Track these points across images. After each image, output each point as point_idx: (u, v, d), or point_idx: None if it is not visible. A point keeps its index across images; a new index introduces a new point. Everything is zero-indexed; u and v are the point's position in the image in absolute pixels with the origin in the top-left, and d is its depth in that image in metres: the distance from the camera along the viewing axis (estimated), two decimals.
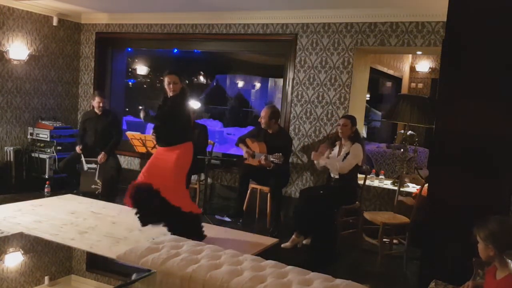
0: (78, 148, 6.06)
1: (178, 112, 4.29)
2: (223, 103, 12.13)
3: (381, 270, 4.15)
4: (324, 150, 4.75)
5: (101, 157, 5.93)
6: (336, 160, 4.58)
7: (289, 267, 3.03)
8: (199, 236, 4.23)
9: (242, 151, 5.40)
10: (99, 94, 6.14)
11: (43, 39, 6.66)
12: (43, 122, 6.56)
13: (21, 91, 6.46)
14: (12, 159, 6.31)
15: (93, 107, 6.21)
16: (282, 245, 4.60)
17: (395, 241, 4.61)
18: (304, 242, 4.62)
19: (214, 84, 12.25)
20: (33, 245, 3.32)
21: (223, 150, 8.11)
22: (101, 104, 6.06)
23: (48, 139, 6.39)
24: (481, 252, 2.39)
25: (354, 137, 4.63)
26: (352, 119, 4.68)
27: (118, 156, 6.37)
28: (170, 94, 4.24)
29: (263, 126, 5.23)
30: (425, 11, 4.92)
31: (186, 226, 4.20)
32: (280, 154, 4.84)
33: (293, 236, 4.63)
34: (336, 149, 4.74)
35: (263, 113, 5.22)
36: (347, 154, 4.56)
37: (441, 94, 3.30)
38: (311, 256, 4.49)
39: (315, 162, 4.79)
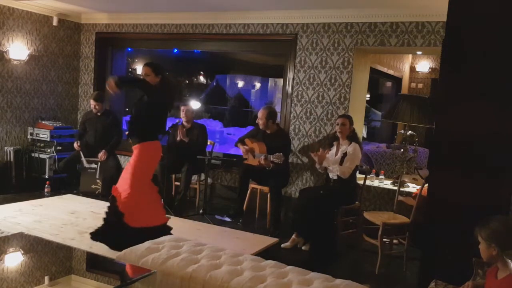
0: (76, 145, 6.06)
1: (143, 107, 4.06)
2: (223, 103, 12.14)
3: (381, 270, 4.15)
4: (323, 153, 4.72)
5: (101, 154, 5.93)
6: (335, 164, 4.57)
7: (289, 267, 3.03)
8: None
9: (241, 151, 5.41)
10: (94, 98, 6.11)
11: (43, 39, 6.66)
12: (43, 122, 6.57)
13: (21, 91, 6.46)
14: (12, 159, 6.31)
15: None
16: (282, 245, 4.60)
17: (395, 241, 4.61)
18: (303, 247, 4.62)
19: (214, 84, 12.26)
20: (33, 245, 3.32)
21: (223, 150, 8.12)
22: (96, 107, 6.06)
23: (48, 139, 6.39)
24: (483, 252, 2.39)
25: (352, 137, 4.63)
26: (350, 119, 4.68)
27: (118, 156, 6.37)
28: None
29: (261, 127, 5.24)
30: (425, 11, 4.92)
31: (126, 240, 3.64)
32: (281, 154, 4.84)
33: (293, 236, 4.63)
34: (334, 149, 4.74)
35: (260, 114, 5.23)
36: (345, 154, 4.56)
37: (441, 94, 3.30)
38: (311, 256, 4.49)
39: (316, 165, 4.78)
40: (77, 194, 6.05)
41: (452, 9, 3.15)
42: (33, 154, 6.44)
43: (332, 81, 5.50)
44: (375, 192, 5.30)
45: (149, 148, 4.06)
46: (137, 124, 4.11)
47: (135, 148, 4.05)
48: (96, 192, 6.00)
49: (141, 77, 4.15)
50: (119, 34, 6.95)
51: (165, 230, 4.14)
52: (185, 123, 5.80)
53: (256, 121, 5.30)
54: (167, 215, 4.32)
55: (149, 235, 3.75)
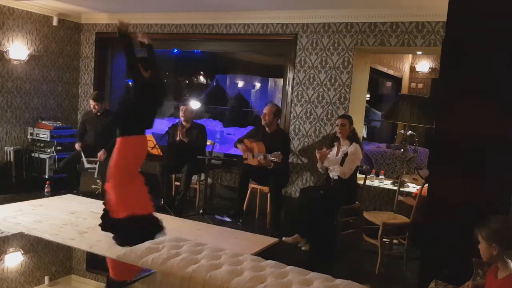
0: (77, 145, 6.07)
1: (127, 100, 4.18)
2: (223, 103, 12.13)
3: (381, 270, 4.15)
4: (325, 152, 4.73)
5: (101, 153, 5.91)
6: (336, 164, 4.57)
7: (289, 267, 3.03)
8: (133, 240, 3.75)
9: (240, 150, 5.41)
10: (93, 98, 6.11)
11: (43, 39, 6.66)
12: (43, 122, 6.57)
13: (21, 91, 6.46)
14: (12, 159, 6.31)
15: None
16: (284, 239, 4.62)
17: (395, 241, 4.61)
18: (303, 247, 4.62)
19: (214, 84, 12.25)
20: (33, 245, 3.32)
21: (223, 150, 8.12)
22: (96, 107, 6.06)
23: (48, 139, 6.39)
24: (484, 252, 2.38)
25: (352, 137, 4.62)
26: (350, 119, 4.68)
27: None
28: None
29: (265, 122, 5.24)
30: (425, 11, 4.92)
31: (120, 230, 4.06)
32: (279, 152, 4.85)
33: (296, 235, 4.64)
34: (334, 149, 4.73)
35: (267, 110, 5.23)
36: (345, 154, 4.56)
37: (441, 94, 3.30)
38: (311, 256, 4.49)
39: (318, 165, 4.78)
40: (77, 194, 6.04)
41: (452, 9, 3.15)
42: (33, 154, 6.44)
43: (332, 81, 5.50)
44: (375, 192, 5.30)
45: (130, 142, 4.11)
46: (120, 117, 4.20)
47: (117, 142, 4.13)
48: (96, 192, 6.00)
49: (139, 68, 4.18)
50: None
51: (153, 221, 4.19)
52: (184, 123, 5.80)
53: (262, 116, 5.29)
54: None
55: (137, 223, 3.91)
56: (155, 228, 4.17)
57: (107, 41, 7.12)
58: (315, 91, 5.61)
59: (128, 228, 3.99)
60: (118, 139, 4.12)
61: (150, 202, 4.26)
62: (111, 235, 4.29)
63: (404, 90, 8.73)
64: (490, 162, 3.08)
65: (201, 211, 5.51)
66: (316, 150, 4.72)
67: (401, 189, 4.74)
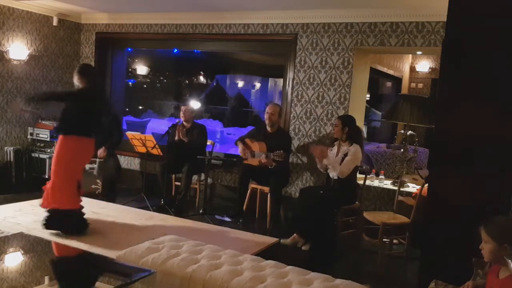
0: None
1: (69, 103, 4.31)
2: (223, 103, 12.13)
3: (381, 270, 4.15)
4: (325, 151, 4.72)
5: (101, 151, 5.89)
6: (336, 163, 4.56)
7: (289, 267, 3.03)
8: (76, 231, 4.20)
9: (239, 149, 5.39)
10: None
11: (43, 39, 6.66)
12: (43, 122, 6.57)
13: (21, 91, 6.46)
14: (12, 159, 6.31)
15: None
16: (282, 241, 4.60)
17: (395, 241, 4.61)
18: (303, 247, 4.61)
19: (214, 84, 12.25)
20: (33, 245, 3.32)
21: (223, 150, 8.12)
22: None
23: (48, 139, 6.40)
24: (490, 252, 2.34)
25: (353, 138, 4.60)
26: (344, 120, 4.63)
27: (118, 156, 6.37)
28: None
29: (270, 121, 5.24)
30: (425, 11, 4.92)
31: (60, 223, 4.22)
32: (282, 151, 4.85)
33: (294, 235, 4.63)
34: (335, 149, 4.73)
35: (272, 109, 5.25)
36: (345, 155, 4.56)
37: (441, 94, 3.30)
38: (311, 256, 4.49)
39: (318, 165, 4.77)
40: None
41: (452, 9, 3.15)
42: (33, 154, 6.44)
43: (332, 81, 5.50)
44: (375, 192, 5.30)
45: (68, 143, 4.16)
46: (62, 116, 4.30)
47: (59, 138, 4.23)
48: (96, 192, 5.99)
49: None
50: (119, 34, 6.95)
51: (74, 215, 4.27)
52: (185, 123, 5.80)
53: (266, 114, 5.28)
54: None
55: (59, 217, 4.14)
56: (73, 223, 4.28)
57: (107, 41, 7.12)
58: (315, 91, 5.61)
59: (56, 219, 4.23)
60: (59, 137, 4.22)
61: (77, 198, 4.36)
62: (110, 235, 4.28)
63: (404, 90, 8.74)
64: (490, 162, 3.07)
65: (201, 211, 5.51)
66: (311, 148, 4.70)
67: (401, 189, 4.74)
